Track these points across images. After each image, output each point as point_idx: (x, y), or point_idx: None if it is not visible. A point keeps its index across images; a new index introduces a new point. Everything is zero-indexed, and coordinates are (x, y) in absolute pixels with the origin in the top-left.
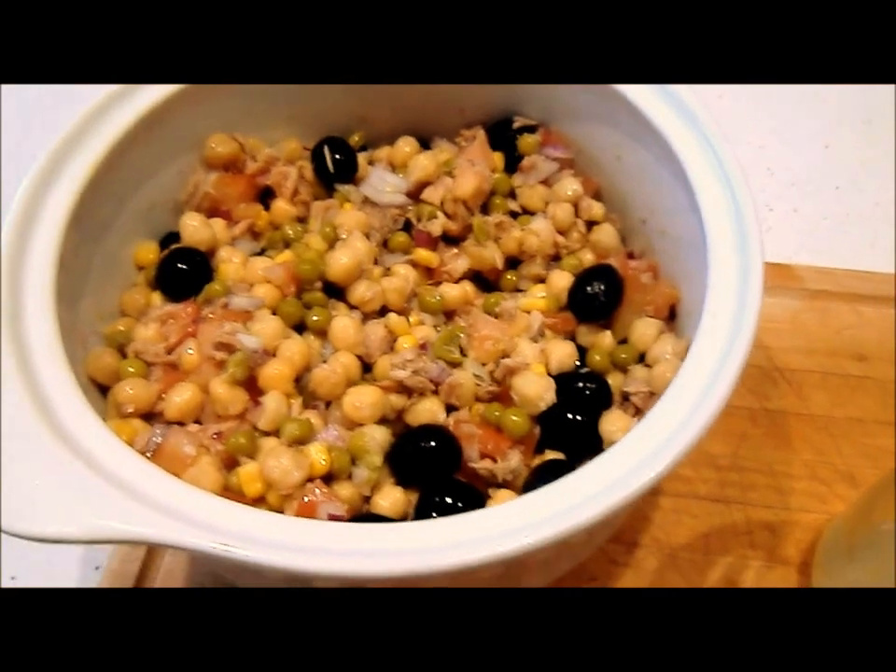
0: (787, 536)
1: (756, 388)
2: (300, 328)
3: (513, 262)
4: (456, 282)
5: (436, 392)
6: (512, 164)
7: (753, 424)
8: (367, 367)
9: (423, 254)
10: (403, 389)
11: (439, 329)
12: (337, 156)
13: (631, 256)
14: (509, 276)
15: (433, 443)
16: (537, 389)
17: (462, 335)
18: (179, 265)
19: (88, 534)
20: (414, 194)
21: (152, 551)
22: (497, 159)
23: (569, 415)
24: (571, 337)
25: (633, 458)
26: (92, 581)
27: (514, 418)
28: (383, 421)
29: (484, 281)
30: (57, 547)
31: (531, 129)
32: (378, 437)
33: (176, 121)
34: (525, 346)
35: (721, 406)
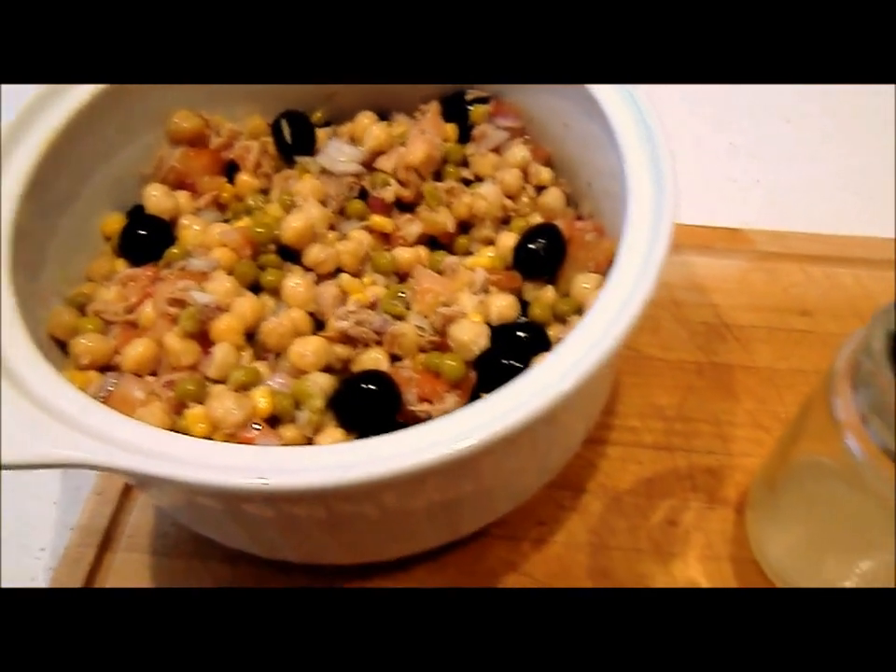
0: (727, 479)
1: (704, 344)
2: (257, 289)
3: (467, 227)
4: (411, 246)
5: (380, 343)
6: (466, 135)
7: (700, 377)
8: (322, 325)
9: (378, 220)
10: (348, 340)
11: (391, 288)
12: (294, 129)
13: (580, 218)
14: (461, 239)
15: (373, 387)
16: (470, 335)
17: (408, 291)
18: (140, 231)
19: (26, 459)
20: (369, 164)
21: (120, 507)
22: (450, 129)
23: (503, 360)
24: (518, 293)
25: (536, 385)
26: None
27: (450, 363)
28: (330, 371)
29: (440, 245)
30: (35, 508)
31: (483, 100)
32: (321, 382)
33: (141, 98)
34: (464, 298)
35: (615, 347)
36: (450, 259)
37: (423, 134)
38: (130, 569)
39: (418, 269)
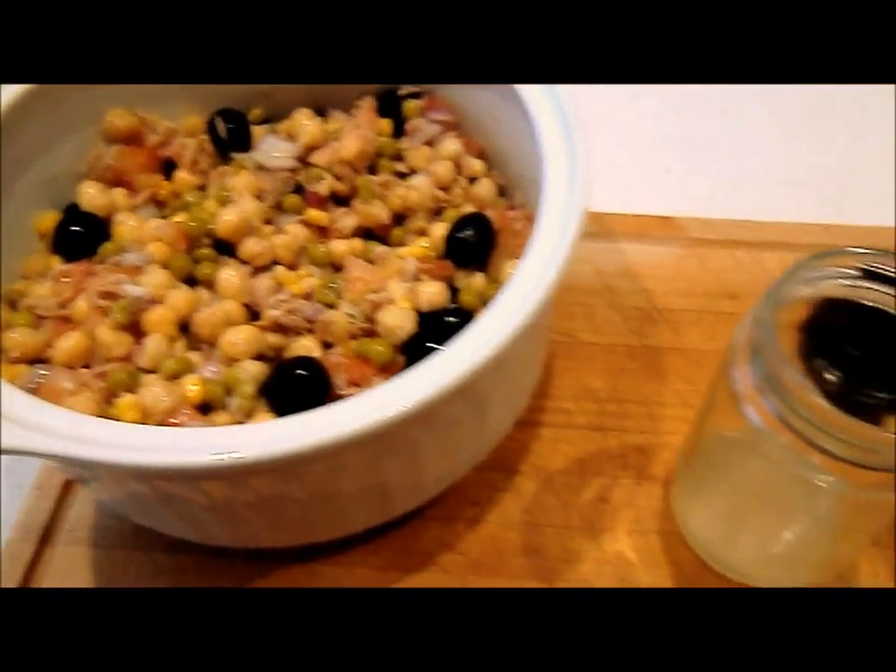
0: (656, 456)
1: (637, 328)
2: (195, 283)
3: (402, 218)
4: (348, 238)
5: (312, 331)
6: (400, 129)
7: (632, 359)
8: (258, 317)
9: (313, 213)
10: (280, 328)
11: (324, 279)
12: (229, 126)
13: (513, 207)
14: (396, 231)
15: (302, 372)
16: (397, 320)
17: (340, 281)
18: (74, 228)
19: None
20: (304, 159)
21: (60, 502)
22: (385, 124)
23: (430, 345)
24: (449, 281)
25: (450, 361)
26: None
27: (377, 348)
28: (263, 359)
29: (376, 237)
30: None
31: (416, 95)
32: (252, 369)
33: (74, 96)
34: (394, 286)
35: (526, 323)
36: (379, 249)
37: (356, 129)
38: (70, 563)
39: (349, 259)
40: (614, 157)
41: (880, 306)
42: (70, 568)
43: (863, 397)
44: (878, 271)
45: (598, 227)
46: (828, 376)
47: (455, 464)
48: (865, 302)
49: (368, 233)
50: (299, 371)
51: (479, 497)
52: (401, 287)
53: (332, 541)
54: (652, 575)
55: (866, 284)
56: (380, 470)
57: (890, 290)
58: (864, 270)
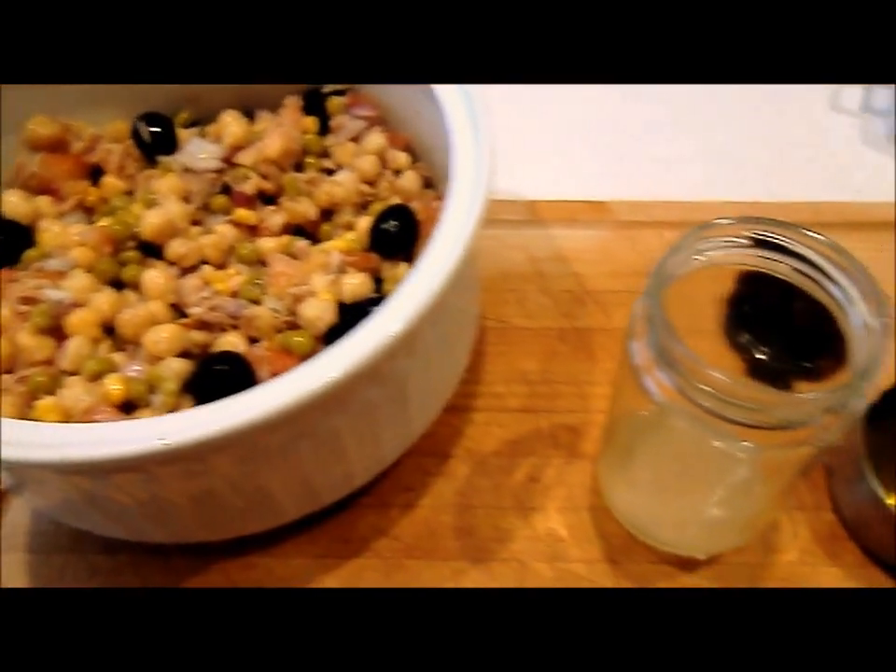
0: (586, 434)
1: (567, 311)
2: (122, 286)
3: (331, 214)
4: (277, 236)
5: (236, 327)
6: (327, 127)
7: (562, 341)
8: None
9: (242, 213)
10: (205, 326)
11: (249, 276)
12: (153, 129)
13: (439, 198)
14: (325, 226)
15: (225, 367)
16: (316, 311)
17: (265, 277)
18: None
19: None
20: (230, 159)
21: None
22: (310, 122)
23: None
24: (376, 272)
25: (355, 343)
26: None
27: (298, 339)
28: (188, 356)
29: (306, 233)
30: None
31: (341, 93)
32: (175, 366)
33: None
34: (316, 279)
35: (429, 304)
36: (301, 244)
37: (279, 128)
38: (8, 569)
39: (271, 255)
40: (549, 145)
41: (778, 274)
42: (8, 574)
43: (777, 364)
44: (766, 239)
45: (530, 214)
46: (749, 347)
47: (381, 450)
48: (773, 273)
49: (298, 230)
50: (221, 366)
51: (412, 482)
52: (324, 279)
53: (268, 532)
54: (583, 550)
55: (752, 252)
56: (300, 458)
57: (776, 256)
58: (753, 238)
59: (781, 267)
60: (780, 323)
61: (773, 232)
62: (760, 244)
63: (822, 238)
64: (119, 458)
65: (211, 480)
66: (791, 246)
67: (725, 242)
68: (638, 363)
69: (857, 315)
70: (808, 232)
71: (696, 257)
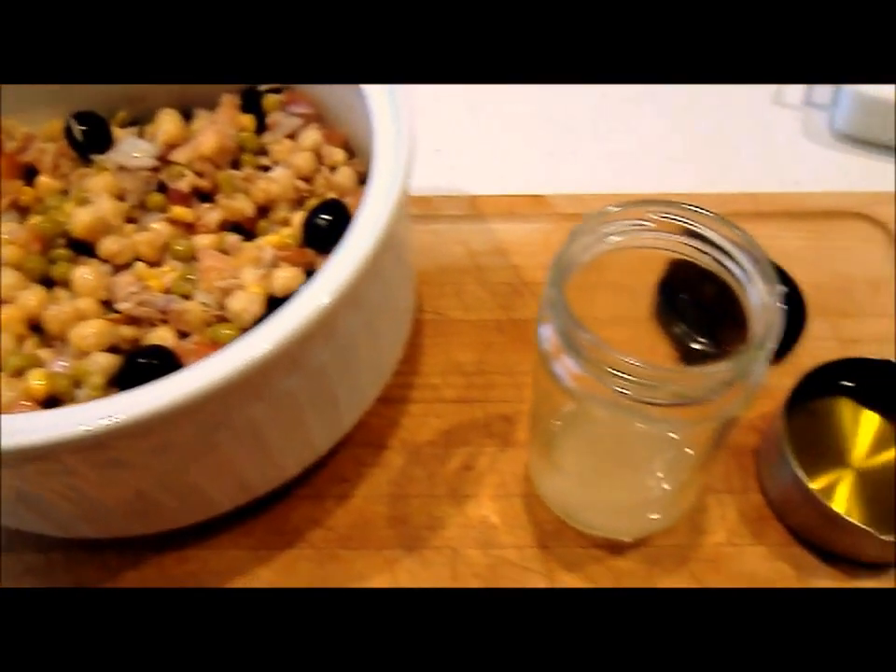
0: (520, 423)
1: (504, 303)
2: (53, 283)
3: (268, 211)
4: (214, 233)
5: (166, 321)
6: (264, 124)
7: (500, 333)
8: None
9: (178, 210)
10: (133, 321)
11: (180, 271)
12: (85, 128)
13: None
14: (262, 223)
15: (152, 360)
16: (243, 304)
17: (197, 272)
18: None
19: None
20: (165, 157)
21: None
22: (246, 120)
23: None
24: (311, 267)
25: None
26: None
27: (225, 332)
28: (117, 351)
29: (243, 230)
30: None
31: (277, 90)
32: (101, 361)
33: None
34: (246, 273)
35: (339, 295)
36: (231, 239)
37: (213, 126)
38: None
39: (202, 250)
40: (491, 142)
41: (682, 255)
42: None
43: (704, 348)
44: (669, 221)
45: (471, 209)
46: (679, 333)
47: (311, 441)
48: (676, 254)
49: (236, 227)
50: (148, 360)
51: (347, 473)
52: (254, 273)
53: (203, 525)
54: (514, 536)
55: (655, 235)
56: (222, 448)
57: (679, 238)
58: (655, 221)
59: (684, 248)
60: (700, 307)
61: (674, 215)
62: (663, 227)
63: (721, 219)
64: (24, 447)
65: (134, 472)
66: (693, 228)
67: (630, 226)
68: (547, 349)
69: (755, 293)
70: (708, 213)
71: (600, 243)
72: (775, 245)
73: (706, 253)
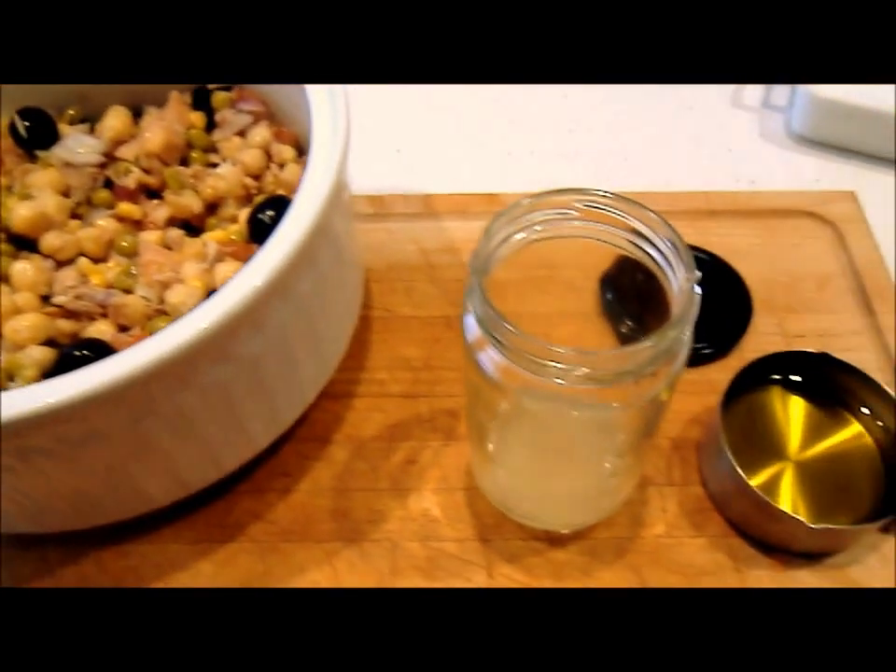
0: (463, 418)
1: (455, 299)
2: None
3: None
4: (162, 229)
5: (105, 315)
6: (215, 122)
7: (448, 329)
8: None
9: (124, 207)
10: (72, 314)
11: (122, 266)
12: (29, 124)
13: None
14: (211, 219)
15: (86, 353)
16: (181, 297)
17: (139, 267)
18: None
19: None
20: (112, 154)
21: None
22: (196, 117)
23: None
24: None
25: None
26: None
27: (162, 324)
28: (56, 345)
29: (193, 227)
30: None
31: (227, 88)
32: (36, 355)
33: None
34: (188, 267)
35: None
36: (174, 234)
37: (160, 122)
38: None
39: (143, 244)
40: (457, 143)
41: (605, 242)
42: None
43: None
44: (594, 210)
45: (424, 208)
46: (621, 326)
47: (248, 435)
48: (616, 247)
49: (186, 224)
50: (83, 352)
51: (291, 467)
52: (196, 267)
53: (145, 519)
54: (455, 529)
55: (580, 224)
56: (151, 439)
57: (603, 227)
58: (579, 210)
59: (608, 236)
60: (641, 301)
61: (597, 203)
62: (587, 216)
63: (642, 206)
64: None
65: (63, 464)
66: (615, 216)
67: (554, 215)
68: (471, 340)
69: (675, 279)
70: (629, 201)
71: (523, 232)
72: (726, 242)
73: (629, 241)
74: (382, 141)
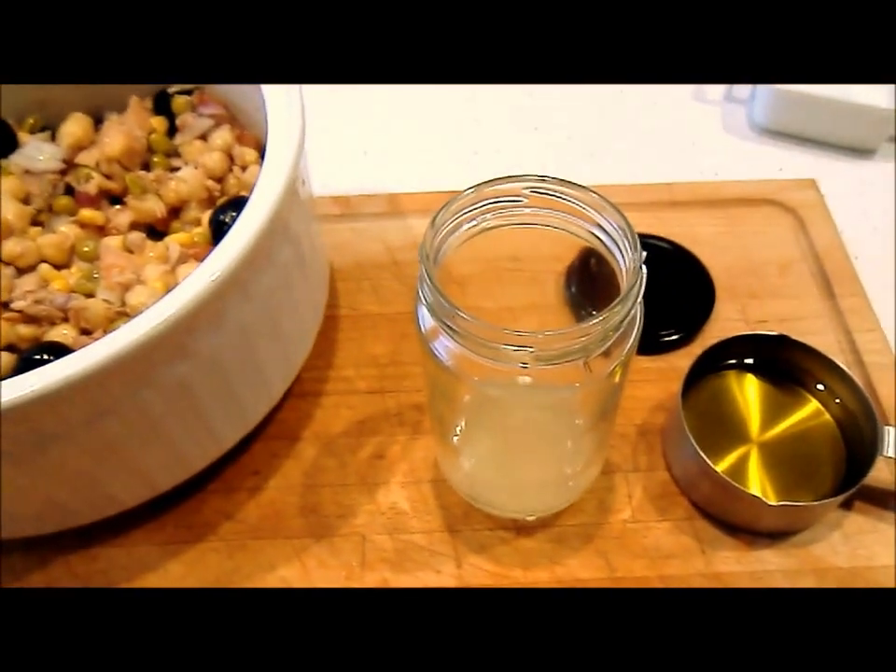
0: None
1: None
2: None
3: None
4: (126, 234)
5: (67, 319)
6: (176, 127)
7: (414, 324)
8: None
9: (86, 213)
10: (32, 319)
11: (84, 270)
12: None
13: None
14: (175, 223)
15: (47, 356)
16: (141, 298)
17: (101, 271)
18: None
19: None
20: (72, 160)
21: None
22: (157, 122)
23: None
24: None
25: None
26: None
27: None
28: (16, 350)
29: (157, 231)
30: None
31: (188, 92)
32: None
33: None
34: (148, 269)
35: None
36: (134, 236)
37: (120, 127)
38: None
39: (103, 248)
40: (424, 143)
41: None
42: None
43: None
44: (540, 195)
45: (390, 207)
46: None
47: (215, 434)
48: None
49: (150, 229)
50: (42, 356)
51: (260, 466)
52: (157, 270)
53: (113, 522)
54: (423, 521)
55: (529, 211)
56: (113, 438)
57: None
58: (525, 197)
59: (557, 222)
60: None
61: (542, 189)
62: (536, 203)
63: (588, 189)
64: None
65: (24, 466)
66: (564, 202)
67: (503, 204)
68: (425, 330)
69: (622, 259)
70: (577, 186)
71: (472, 221)
72: (689, 232)
73: (580, 227)
74: (349, 143)
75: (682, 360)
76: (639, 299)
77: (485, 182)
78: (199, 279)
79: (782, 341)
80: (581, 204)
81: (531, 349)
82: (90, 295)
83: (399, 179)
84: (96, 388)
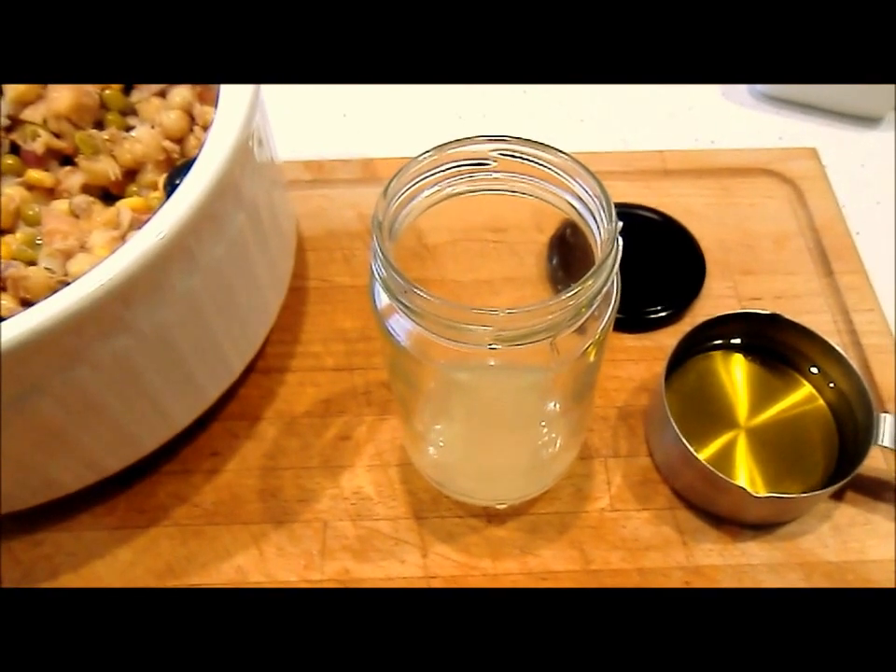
0: None
1: (403, 266)
2: None
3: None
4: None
5: (4, 288)
6: None
7: None
8: None
9: (33, 174)
10: None
11: (25, 235)
12: None
13: None
14: (131, 187)
15: None
16: (83, 266)
17: (42, 236)
18: None
19: None
20: (17, 117)
21: None
22: None
23: None
24: None
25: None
26: None
27: None
28: None
29: (113, 195)
30: None
31: None
32: None
33: None
34: (95, 236)
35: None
36: (79, 200)
37: None
38: None
39: (45, 212)
40: (405, 107)
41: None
42: None
43: None
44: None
45: (364, 173)
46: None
47: (166, 414)
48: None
49: (105, 192)
50: None
51: (219, 447)
52: (105, 236)
53: (60, 505)
54: (389, 507)
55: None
56: (46, 417)
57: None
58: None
59: (529, 188)
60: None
61: (511, 152)
62: (505, 167)
63: (560, 151)
64: None
65: None
66: (534, 165)
67: (466, 168)
68: (380, 308)
69: (597, 229)
70: (547, 147)
71: (433, 188)
72: (680, 202)
73: (553, 193)
74: (327, 105)
75: (669, 339)
76: (615, 272)
77: (447, 143)
78: (137, 245)
79: (775, 320)
80: (554, 169)
81: (493, 328)
82: (32, 263)
83: (379, 144)
84: (18, 365)
